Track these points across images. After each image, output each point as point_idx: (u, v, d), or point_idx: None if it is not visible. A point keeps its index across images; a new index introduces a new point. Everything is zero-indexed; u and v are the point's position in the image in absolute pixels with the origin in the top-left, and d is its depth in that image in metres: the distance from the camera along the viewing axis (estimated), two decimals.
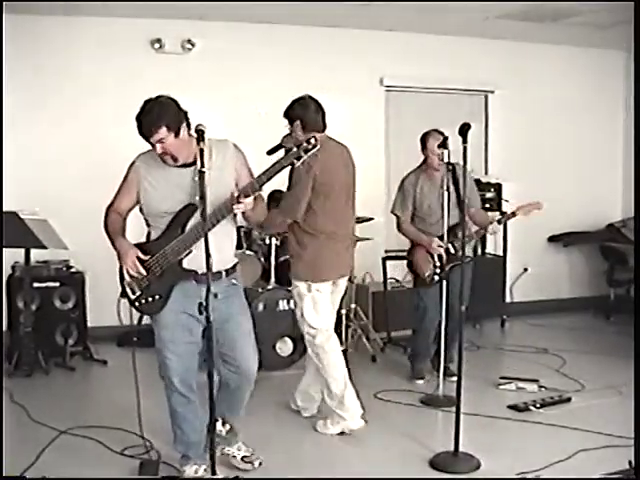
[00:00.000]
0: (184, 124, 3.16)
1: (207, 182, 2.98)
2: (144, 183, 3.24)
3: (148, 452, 3.70)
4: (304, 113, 4.19)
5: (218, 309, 3.02)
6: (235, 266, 3.39)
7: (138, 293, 3.28)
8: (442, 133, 4.87)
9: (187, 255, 3.17)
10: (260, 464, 3.61)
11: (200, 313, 2.89)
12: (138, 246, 3.27)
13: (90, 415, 4.28)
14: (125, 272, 3.26)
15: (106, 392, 4.91)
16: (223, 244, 3.25)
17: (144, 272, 3.21)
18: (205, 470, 3.41)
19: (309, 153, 2.94)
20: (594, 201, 7.67)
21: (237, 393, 3.45)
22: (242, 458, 3.62)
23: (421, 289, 5.05)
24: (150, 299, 3.26)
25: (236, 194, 3.03)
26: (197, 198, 3.01)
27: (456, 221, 4.72)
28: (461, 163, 4.37)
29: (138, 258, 3.21)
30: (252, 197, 3.05)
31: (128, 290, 3.31)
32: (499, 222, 5.04)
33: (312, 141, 2.92)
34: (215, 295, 2.92)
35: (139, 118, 3.12)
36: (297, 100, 4.25)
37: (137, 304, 3.30)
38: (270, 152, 4.28)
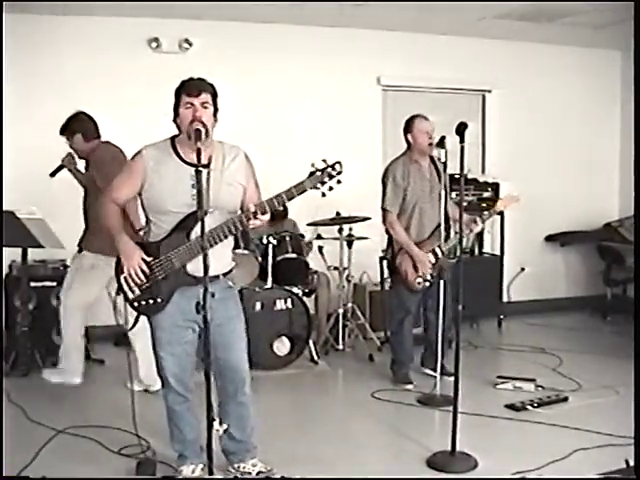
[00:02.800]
0: (216, 116, 3.14)
1: (220, 183, 3.00)
2: (152, 176, 3.09)
3: (145, 452, 3.70)
4: (82, 126, 4.80)
5: (215, 310, 2.92)
6: (232, 269, 3.33)
7: (138, 293, 3.19)
8: (426, 118, 4.87)
9: (192, 261, 3.11)
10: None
11: (197, 312, 2.86)
12: (141, 245, 3.19)
13: (87, 414, 4.27)
14: (125, 271, 3.15)
15: (103, 391, 4.90)
16: (223, 250, 3.21)
17: (145, 279, 3.14)
18: (202, 470, 3.41)
19: (334, 179, 2.88)
20: (591, 200, 7.68)
21: (233, 399, 3.38)
22: (257, 473, 3.48)
23: (405, 293, 4.89)
24: (151, 301, 3.18)
25: (253, 209, 2.95)
26: (208, 201, 2.98)
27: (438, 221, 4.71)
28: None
29: (143, 260, 3.14)
30: (268, 215, 2.98)
31: (126, 289, 3.21)
32: (482, 220, 4.85)
33: (337, 167, 2.88)
34: (212, 295, 2.87)
35: (188, 80, 3.09)
36: (71, 117, 4.84)
37: (136, 304, 3.22)
38: (53, 174, 4.90)
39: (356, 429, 4.20)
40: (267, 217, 2.99)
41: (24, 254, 5.12)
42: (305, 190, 2.89)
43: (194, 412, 3.41)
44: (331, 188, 2.89)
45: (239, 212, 3.12)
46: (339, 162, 2.88)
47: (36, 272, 5.56)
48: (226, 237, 3.06)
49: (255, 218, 2.96)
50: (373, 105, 7.05)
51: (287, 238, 5.61)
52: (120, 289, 3.24)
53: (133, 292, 3.20)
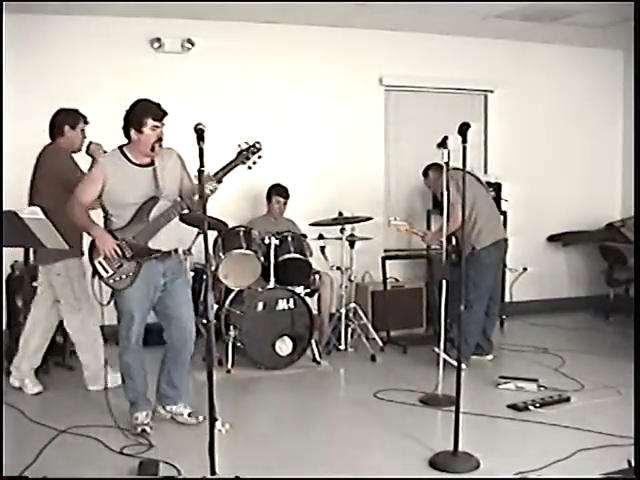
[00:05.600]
0: None
1: (163, 178, 3.81)
2: (111, 179, 3.78)
3: (148, 449, 3.71)
4: None
5: (170, 282, 3.94)
6: (190, 248, 4.32)
7: (111, 272, 3.84)
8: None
9: (152, 238, 3.82)
10: (204, 418, 3.93)
11: (199, 315, 2.93)
12: (109, 233, 3.83)
13: (89, 414, 4.27)
14: (102, 254, 3.80)
15: (105, 391, 4.90)
16: (174, 227, 3.93)
17: (120, 255, 3.79)
18: (151, 415, 4.06)
19: (255, 155, 3.71)
20: (593, 201, 7.68)
21: (181, 353, 4.05)
22: (188, 415, 4.13)
23: None
24: (124, 276, 3.83)
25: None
26: (159, 191, 3.80)
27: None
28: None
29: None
30: (217, 184, 3.70)
31: (100, 269, 3.86)
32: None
33: (257, 145, 3.71)
34: (164, 274, 3.88)
35: (152, 103, 3.80)
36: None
37: (111, 281, 3.86)
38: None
39: (358, 429, 4.20)
40: (218, 185, 3.70)
41: (26, 254, 5.12)
42: (237, 165, 3.72)
43: (144, 365, 4.05)
44: (255, 162, 3.72)
45: (178, 198, 3.89)
46: (258, 142, 3.73)
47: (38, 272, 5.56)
48: (188, 208, 3.84)
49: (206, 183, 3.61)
50: (375, 105, 7.05)
51: (289, 238, 5.61)
52: (95, 272, 3.88)
53: (107, 272, 3.85)
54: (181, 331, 4.01)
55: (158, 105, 3.80)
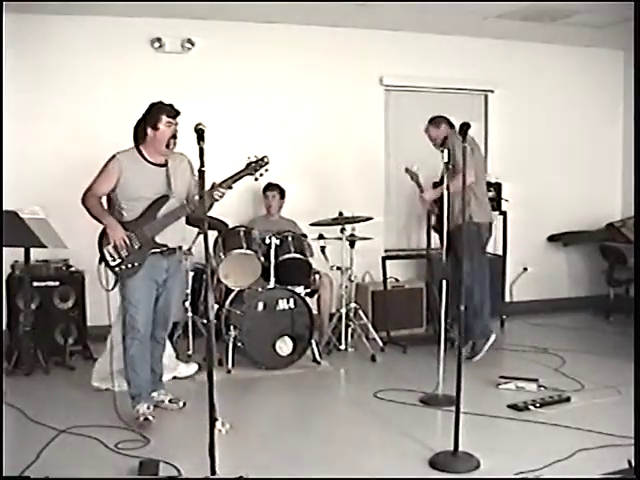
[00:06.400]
0: None
1: (175, 179, 4.07)
2: (126, 173, 4.02)
3: (145, 446, 3.73)
4: None
5: (170, 278, 4.20)
6: (190, 248, 4.69)
7: (118, 261, 4.05)
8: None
9: (159, 233, 4.05)
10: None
11: (199, 315, 2.93)
12: (120, 224, 4.04)
13: (90, 414, 4.27)
14: (112, 242, 4.01)
15: (106, 391, 4.90)
16: (179, 226, 4.21)
17: (129, 246, 4.02)
18: (151, 408, 4.14)
19: (262, 168, 3.99)
20: (593, 200, 7.68)
21: (159, 343, 4.34)
22: (169, 400, 4.42)
23: None
24: (130, 265, 4.04)
25: (217, 185, 3.96)
26: (170, 190, 4.06)
27: None
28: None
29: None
30: (225, 190, 3.99)
31: (108, 257, 4.05)
32: None
33: (265, 159, 3.97)
34: (167, 270, 4.15)
35: (164, 104, 4.02)
36: None
37: (117, 269, 4.06)
38: None
39: (358, 429, 4.20)
40: (225, 192, 3.99)
41: (27, 254, 5.12)
42: (244, 175, 4.00)
43: (148, 358, 4.22)
44: (261, 174, 4.00)
45: (185, 201, 4.14)
46: (266, 156, 4.01)
47: (39, 272, 5.57)
48: (193, 211, 4.07)
49: (216, 189, 3.97)
50: (375, 105, 7.05)
51: (289, 238, 5.60)
52: (102, 259, 4.07)
53: (114, 260, 4.05)
54: (165, 326, 4.35)
55: (171, 105, 4.04)
